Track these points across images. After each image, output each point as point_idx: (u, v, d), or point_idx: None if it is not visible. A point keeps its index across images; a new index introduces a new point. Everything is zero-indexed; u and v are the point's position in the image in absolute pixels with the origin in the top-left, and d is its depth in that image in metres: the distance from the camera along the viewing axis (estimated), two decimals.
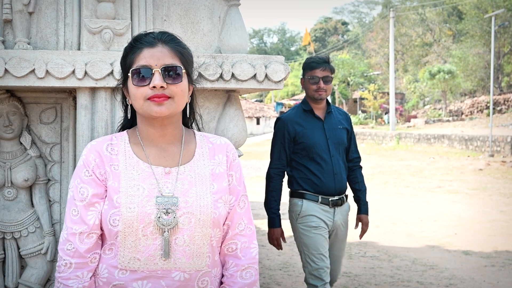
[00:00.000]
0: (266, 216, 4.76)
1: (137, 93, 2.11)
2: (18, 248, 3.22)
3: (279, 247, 4.81)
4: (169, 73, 2.11)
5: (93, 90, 2.90)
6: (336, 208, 4.66)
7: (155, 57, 2.11)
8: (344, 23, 70.25)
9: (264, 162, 21.62)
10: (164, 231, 2.10)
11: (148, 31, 2.22)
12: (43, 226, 3.23)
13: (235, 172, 2.29)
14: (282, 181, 4.75)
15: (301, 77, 4.82)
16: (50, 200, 3.28)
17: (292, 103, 51.01)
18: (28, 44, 2.96)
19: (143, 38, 2.16)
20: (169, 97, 2.11)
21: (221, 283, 2.29)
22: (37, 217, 3.22)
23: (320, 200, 4.61)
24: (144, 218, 2.09)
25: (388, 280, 7.42)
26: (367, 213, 4.99)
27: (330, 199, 4.62)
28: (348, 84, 49.63)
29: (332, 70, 4.70)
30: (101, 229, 2.16)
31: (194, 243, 2.14)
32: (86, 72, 2.83)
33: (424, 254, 8.78)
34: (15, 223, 3.15)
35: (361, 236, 5.01)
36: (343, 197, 4.72)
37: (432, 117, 42.09)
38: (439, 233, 10.30)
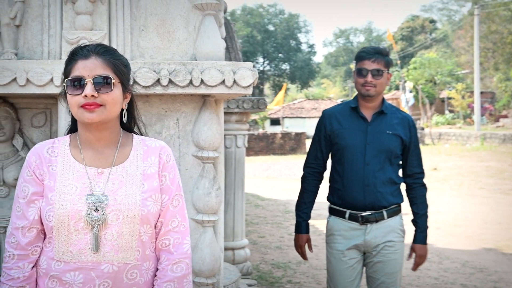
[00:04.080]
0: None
1: (72, 101, 2.31)
2: None
3: (303, 255, 4.26)
4: (101, 82, 2.29)
5: None
6: (368, 225, 4.00)
7: (87, 68, 2.29)
8: (432, 21, 68.86)
9: None
10: (94, 227, 2.29)
11: (86, 44, 2.41)
12: None
13: (168, 173, 2.45)
14: (317, 183, 4.25)
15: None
16: None
17: None
18: (16, 54, 3.23)
19: (79, 51, 2.35)
20: (100, 105, 2.29)
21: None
22: None
23: (347, 215, 4.03)
24: (75, 214, 2.28)
25: (432, 282, 7.38)
26: (424, 243, 4.14)
27: (360, 214, 3.99)
28: (435, 83, 48.59)
29: (387, 63, 4.02)
30: (42, 224, 2.38)
31: (122, 238, 2.32)
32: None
33: (477, 256, 8.64)
34: (7, 218, 3.42)
35: (414, 268, 4.21)
36: (382, 212, 4.01)
37: None
38: (499, 235, 10.08)
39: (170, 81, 3.14)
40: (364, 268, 4.15)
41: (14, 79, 3.07)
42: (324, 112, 4.23)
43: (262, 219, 12.35)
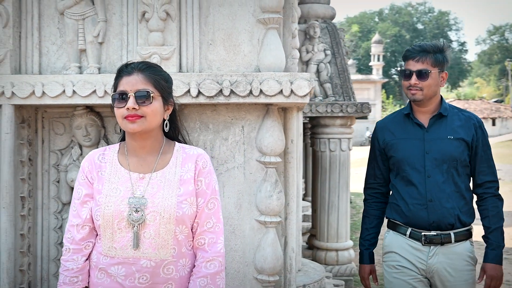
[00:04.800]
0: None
1: (117, 113, 2.61)
2: None
3: None
4: (142, 96, 2.56)
5: None
6: (432, 247, 3.54)
7: (130, 84, 2.58)
8: None
9: None
10: (134, 226, 2.57)
11: (131, 62, 2.70)
12: None
13: (204, 178, 2.69)
14: (380, 206, 3.85)
15: None
16: None
17: None
18: (99, 69, 3.61)
19: (124, 68, 2.65)
20: (141, 116, 2.57)
21: None
22: None
23: (409, 233, 3.59)
24: (118, 214, 2.58)
25: None
26: (496, 262, 3.52)
27: (423, 233, 3.54)
28: None
29: (437, 62, 3.55)
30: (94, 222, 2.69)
31: (159, 237, 2.58)
32: None
33: None
34: None
35: None
36: (449, 234, 3.53)
37: None
38: None
39: (232, 92, 3.37)
40: None
41: (94, 91, 3.44)
42: (376, 124, 3.85)
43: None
